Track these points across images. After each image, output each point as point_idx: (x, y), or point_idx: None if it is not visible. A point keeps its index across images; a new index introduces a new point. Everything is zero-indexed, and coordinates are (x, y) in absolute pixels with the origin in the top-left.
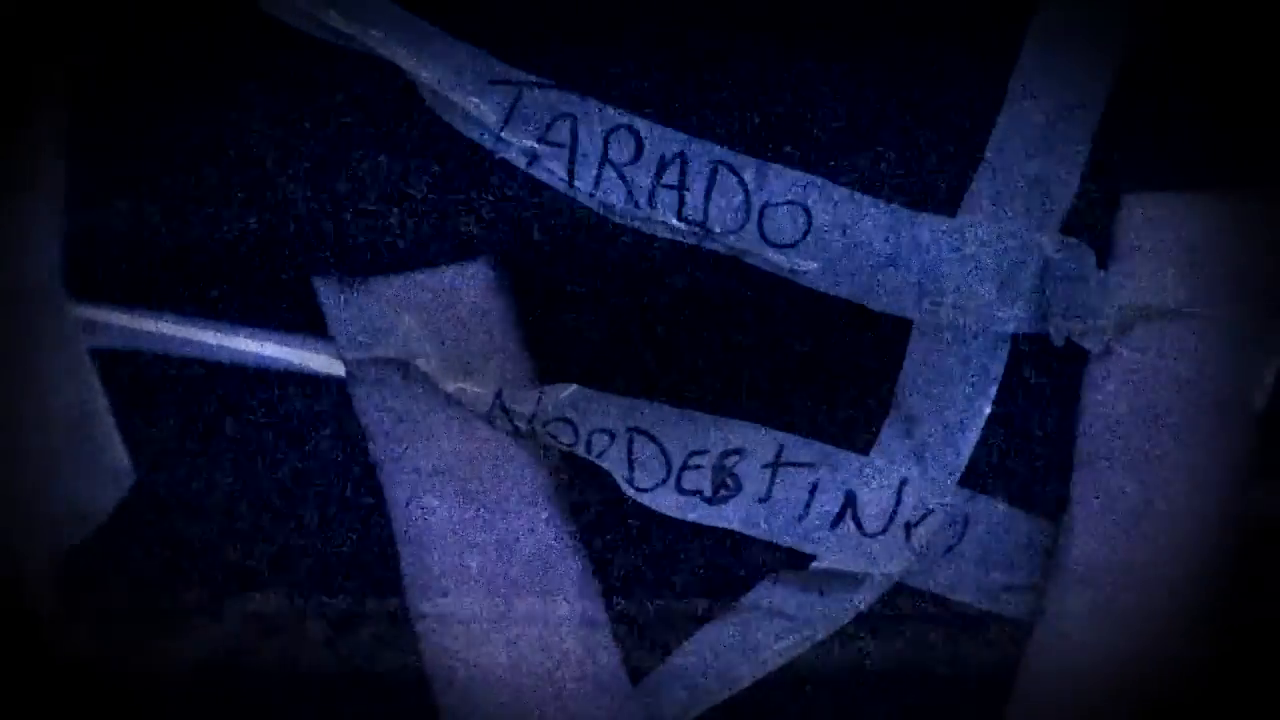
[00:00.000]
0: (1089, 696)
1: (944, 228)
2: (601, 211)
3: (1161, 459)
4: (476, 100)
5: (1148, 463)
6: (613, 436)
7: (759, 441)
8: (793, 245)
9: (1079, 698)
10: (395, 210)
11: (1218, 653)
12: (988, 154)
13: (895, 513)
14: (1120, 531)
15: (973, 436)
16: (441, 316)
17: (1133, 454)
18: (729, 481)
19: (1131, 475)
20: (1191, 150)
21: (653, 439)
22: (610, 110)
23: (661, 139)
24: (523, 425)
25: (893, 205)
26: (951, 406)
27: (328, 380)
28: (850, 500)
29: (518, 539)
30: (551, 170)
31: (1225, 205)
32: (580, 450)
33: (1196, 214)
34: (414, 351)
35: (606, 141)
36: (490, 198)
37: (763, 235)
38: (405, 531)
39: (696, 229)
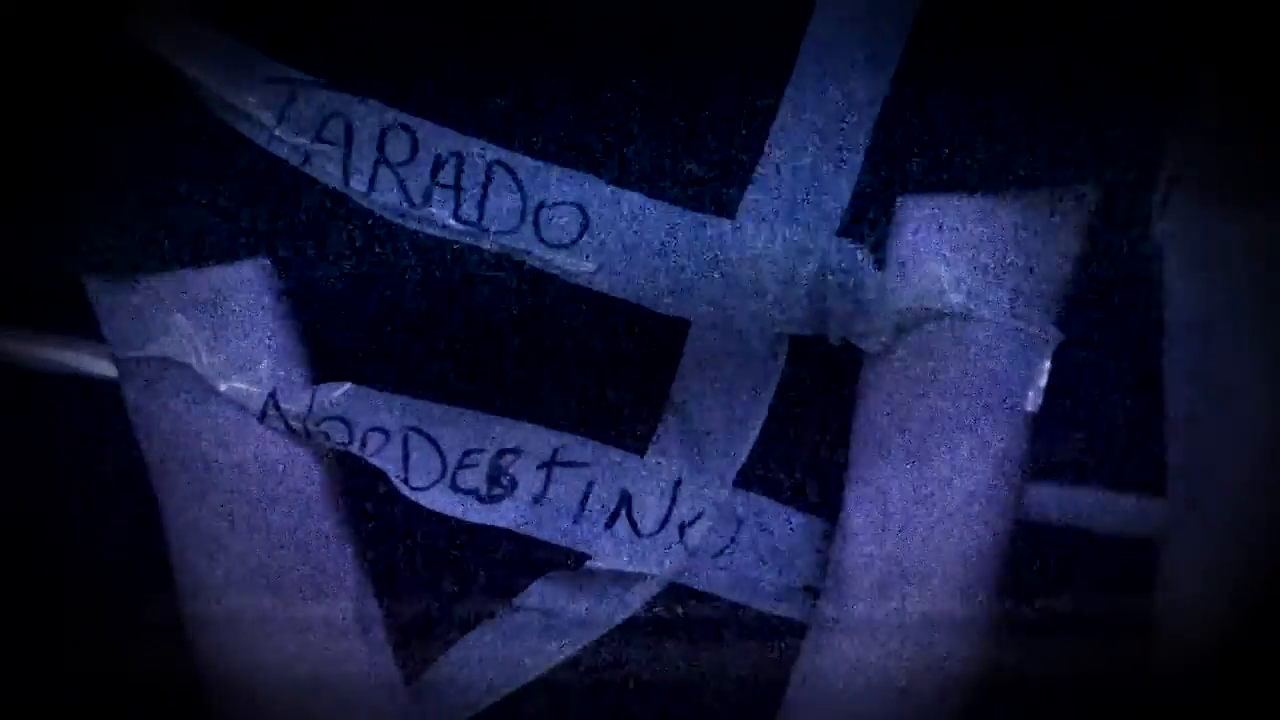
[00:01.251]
0: (863, 696)
1: (722, 229)
2: (377, 210)
3: (937, 459)
4: (250, 98)
5: (923, 463)
6: (388, 435)
7: (535, 441)
8: (569, 245)
9: (853, 698)
10: (168, 208)
11: (991, 652)
12: (766, 156)
13: (670, 513)
14: (895, 532)
15: (749, 437)
16: (215, 315)
17: (908, 454)
18: (504, 481)
19: (907, 476)
20: (967, 153)
21: (428, 438)
22: (385, 109)
23: (437, 138)
24: (296, 424)
25: (670, 206)
26: (728, 407)
27: (100, 381)
28: (625, 500)
29: (291, 539)
30: (326, 169)
31: (1000, 207)
32: (355, 449)
33: (972, 216)
34: (187, 351)
35: (382, 140)
36: (264, 196)
37: (539, 235)
38: (178, 532)
39: (472, 228)
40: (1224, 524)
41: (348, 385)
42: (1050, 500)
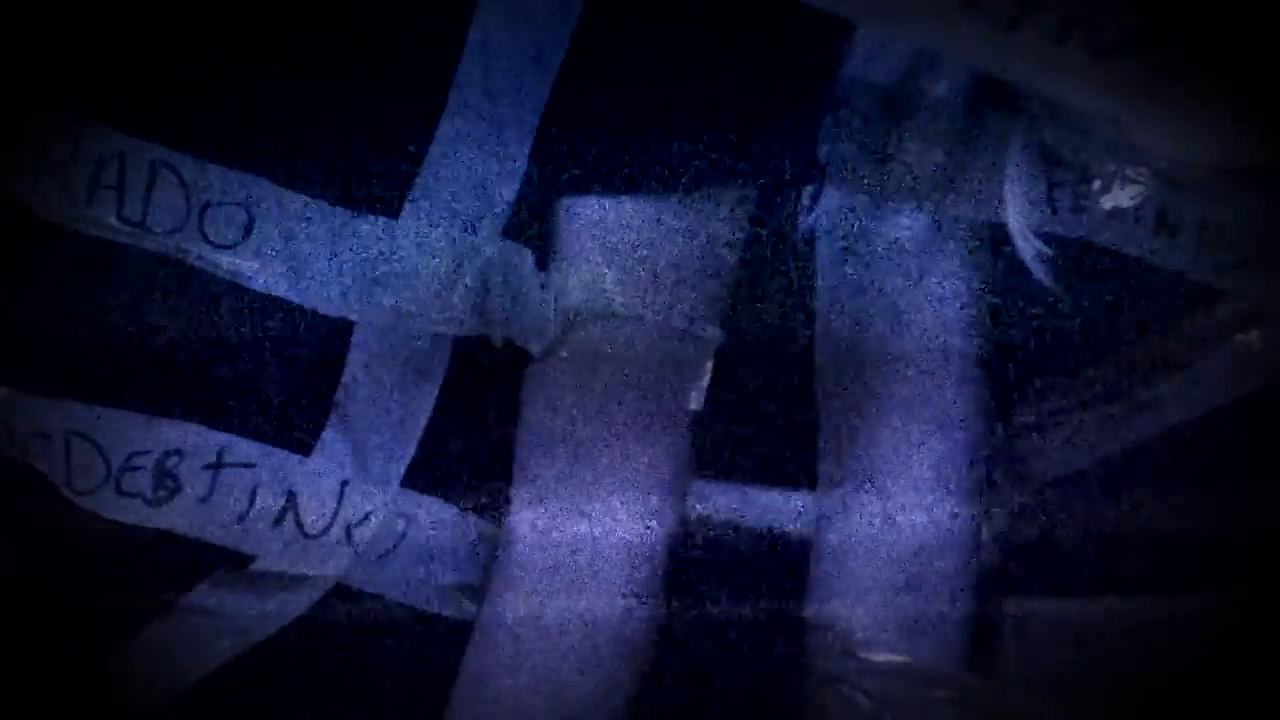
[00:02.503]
0: (526, 696)
1: (385, 229)
2: (39, 211)
3: (601, 459)
4: None
5: (588, 462)
6: (49, 439)
7: (200, 442)
8: (234, 245)
9: (516, 697)
10: None
11: (654, 648)
12: (429, 157)
13: (337, 513)
14: (560, 532)
15: (414, 438)
16: None
17: (573, 454)
18: (169, 482)
19: (572, 475)
20: (630, 154)
21: (91, 441)
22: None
23: (99, 139)
24: None
25: (335, 206)
26: (393, 408)
27: None
28: (291, 501)
29: None
30: None
31: (662, 208)
32: (16, 454)
33: (634, 217)
34: None
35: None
36: None
37: (204, 235)
38: None
39: (136, 229)
40: (873, 516)
41: (6, 389)
42: (713, 497)
